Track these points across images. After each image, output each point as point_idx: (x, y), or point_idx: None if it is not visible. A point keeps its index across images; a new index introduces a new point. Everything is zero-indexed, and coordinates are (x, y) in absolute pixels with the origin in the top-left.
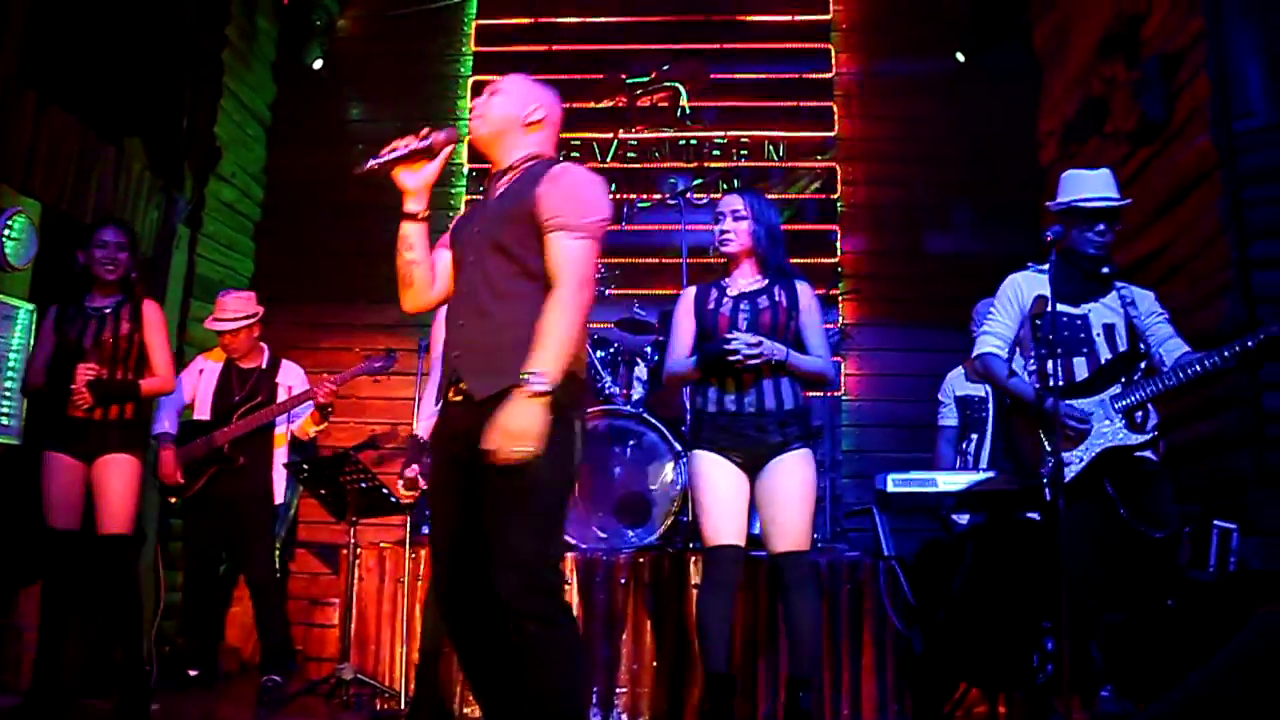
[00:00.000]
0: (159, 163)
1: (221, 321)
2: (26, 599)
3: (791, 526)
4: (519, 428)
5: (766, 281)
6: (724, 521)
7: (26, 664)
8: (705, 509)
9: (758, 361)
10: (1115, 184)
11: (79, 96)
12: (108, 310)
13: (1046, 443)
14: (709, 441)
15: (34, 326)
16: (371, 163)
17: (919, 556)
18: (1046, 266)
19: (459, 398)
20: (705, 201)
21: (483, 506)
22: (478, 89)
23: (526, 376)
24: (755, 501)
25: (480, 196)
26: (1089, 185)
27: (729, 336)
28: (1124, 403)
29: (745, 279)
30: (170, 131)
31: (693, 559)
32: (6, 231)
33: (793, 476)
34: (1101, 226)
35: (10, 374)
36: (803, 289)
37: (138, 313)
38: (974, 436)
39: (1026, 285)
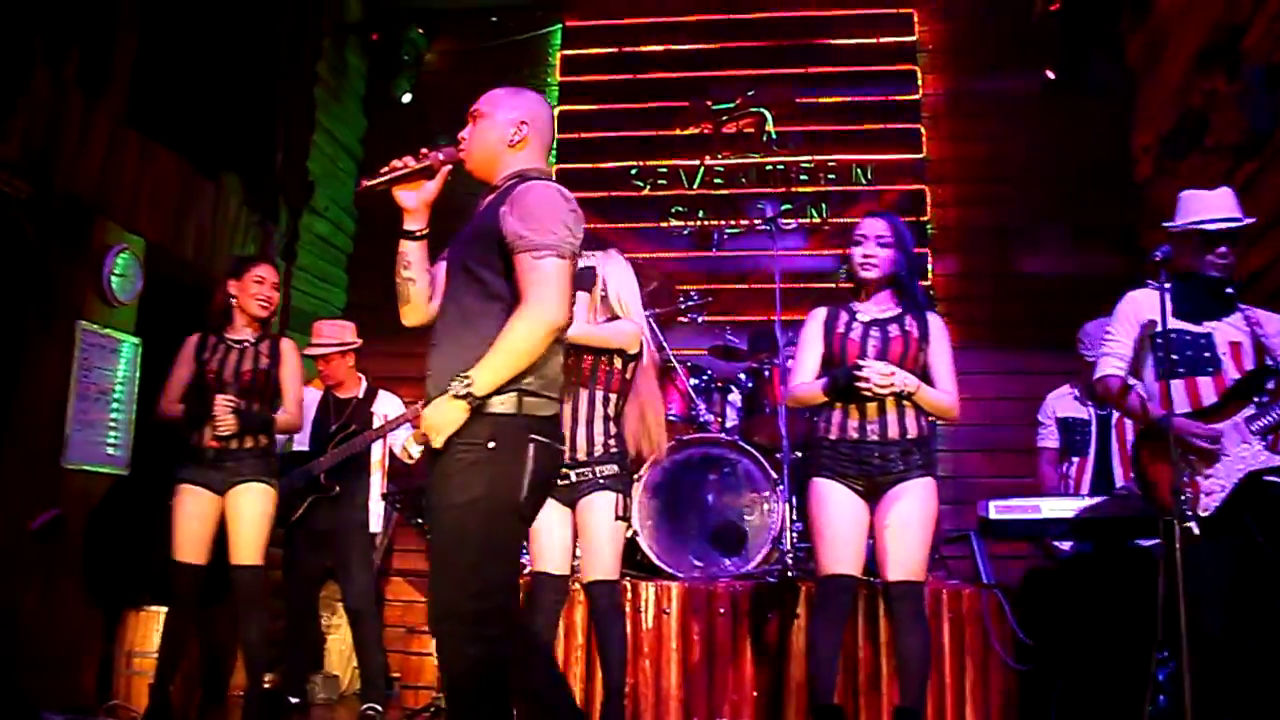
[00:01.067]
0: (254, 198)
1: (316, 347)
2: (136, 624)
3: (909, 556)
4: (429, 419)
5: (899, 310)
6: (842, 550)
7: (136, 688)
8: (823, 537)
9: (888, 392)
10: (1237, 203)
11: (179, 135)
12: (248, 344)
13: (1182, 468)
14: (829, 468)
15: (138, 358)
16: (369, 182)
17: (1025, 585)
18: (1163, 284)
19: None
20: (794, 226)
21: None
22: (564, 119)
23: (454, 381)
24: (873, 529)
25: None
26: (1209, 205)
27: (862, 364)
28: (1260, 424)
29: (878, 305)
30: (265, 167)
31: (801, 587)
32: (113, 268)
33: (914, 505)
34: (1224, 249)
35: (117, 405)
36: (934, 320)
37: (276, 349)
38: (1075, 460)
39: (1145, 301)
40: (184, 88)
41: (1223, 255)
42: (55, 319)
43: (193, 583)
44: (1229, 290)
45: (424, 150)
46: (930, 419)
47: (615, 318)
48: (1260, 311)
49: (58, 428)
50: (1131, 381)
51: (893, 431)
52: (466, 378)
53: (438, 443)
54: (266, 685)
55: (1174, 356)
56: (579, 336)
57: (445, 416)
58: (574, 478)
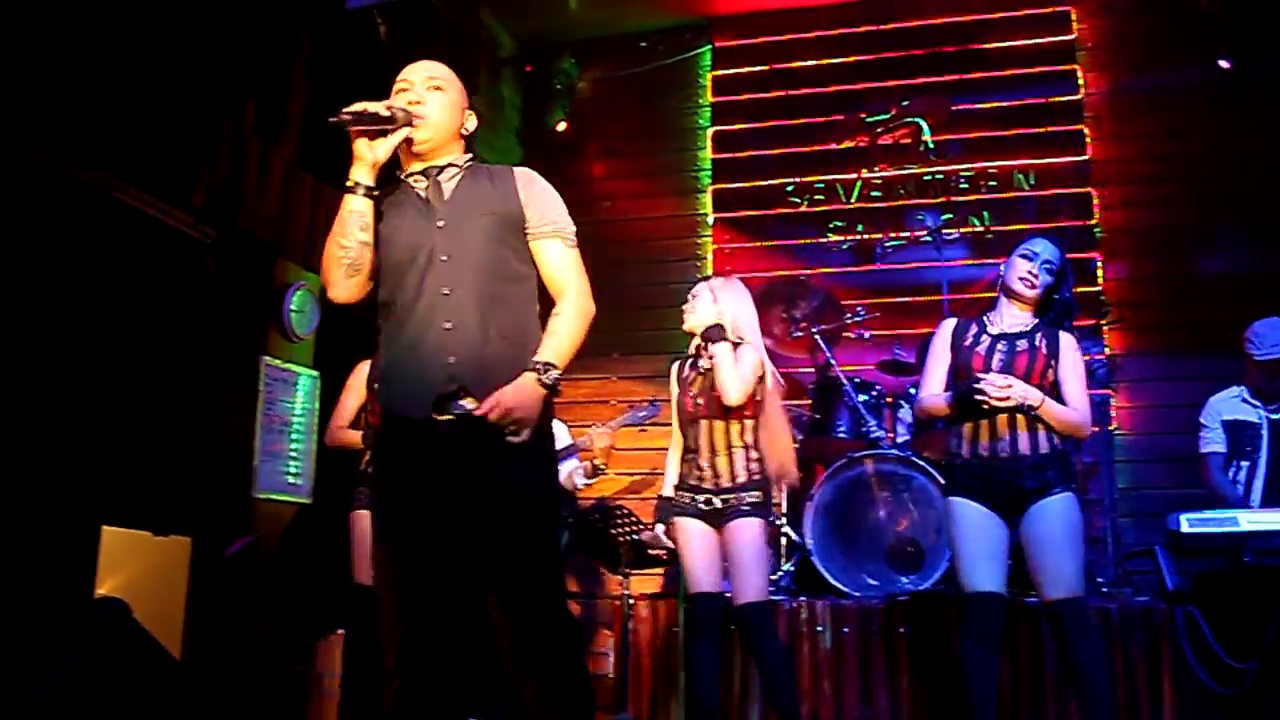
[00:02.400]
0: None
1: None
2: (325, 649)
3: (1061, 572)
4: (519, 408)
5: (1031, 326)
6: (981, 567)
7: (326, 712)
8: (960, 555)
9: (1007, 404)
10: None
11: (348, 175)
12: None
13: None
14: (963, 488)
15: (317, 390)
16: (340, 115)
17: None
18: None
19: (453, 415)
20: (956, 236)
21: (499, 553)
22: (718, 139)
23: (539, 364)
24: (1022, 550)
25: (395, 191)
26: None
27: (980, 376)
28: None
29: (1011, 320)
30: None
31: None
32: (291, 304)
33: (1055, 521)
34: None
35: (298, 437)
36: (1066, 339)
37: None
38: (1244, 465)
39: None
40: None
41: None
42: (240, 355)
43: (370, 605)
44: None
45: (388, 103)
46: (1062, 436)
47: (736, 345)
48: None
49: (246, 459)
50: None
51: (1022, 448)
52: (549, 365)
53: (526, 434)
54: None
55: None
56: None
57: (534, 403)
58: (719, 504)
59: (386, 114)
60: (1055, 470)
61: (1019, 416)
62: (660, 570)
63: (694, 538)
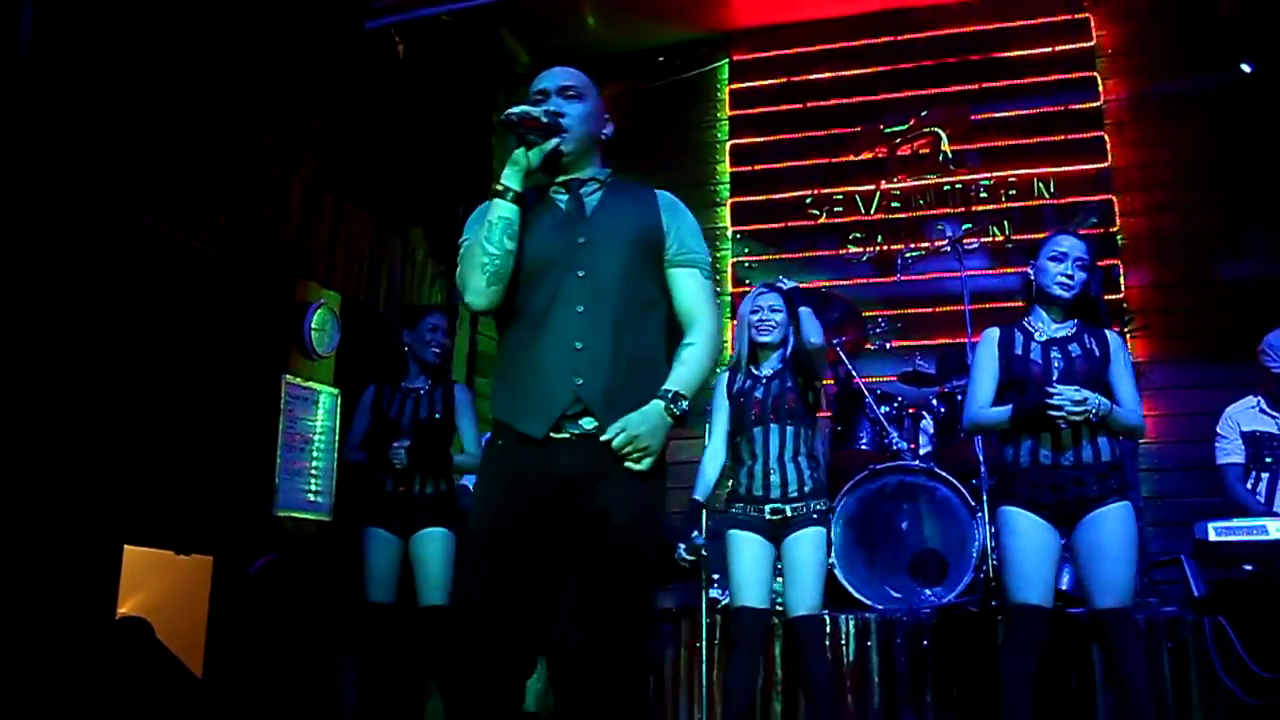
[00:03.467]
0: (439, 248)
1: None
2: (348, 668)
3: (1117, 581)
4: (647, 436)
5: (1075, 328)
6: (1034, 579)
7: None
8: (1013, 565)
9: (1080, 418)
10: None
11: (367, 194)
12: (423, 391)
13: None
14: (1021, 496)
15: (337, 407)
16: (512, 112)
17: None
18: None
19: (573, 435)
20: (976, 246)
21: (601, 562)
22: (736, 153)
23: (670, 393)
24: (1073, 557)
25: (530, 198)
26: None
27: (1051, 390)
28: None
29: (1054, 324)
30: (448, 218)
31: (999, 618)
32: (312, 323)
33: (1114, 529)
34: None
35: (318, 453)
36: (1113, 337)
37: (450, 395)
38: (1264, 476)
39: None
40: (370, 150)
41: None
42: (262, 374)
43: (385, 622)
44: None
45: (547, 109)
46: (1121, 440)
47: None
48: None
49: (268, 477)
50: None
51: (1087, 456)
52: (679, 395)
53: (648, 464)
54: None
55: None
56: None
57: (661, 435)
58: (789, 512)
59: (547, 120)
60: (1116, 478)
61: (1083, 423)
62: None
63: (750, 550)
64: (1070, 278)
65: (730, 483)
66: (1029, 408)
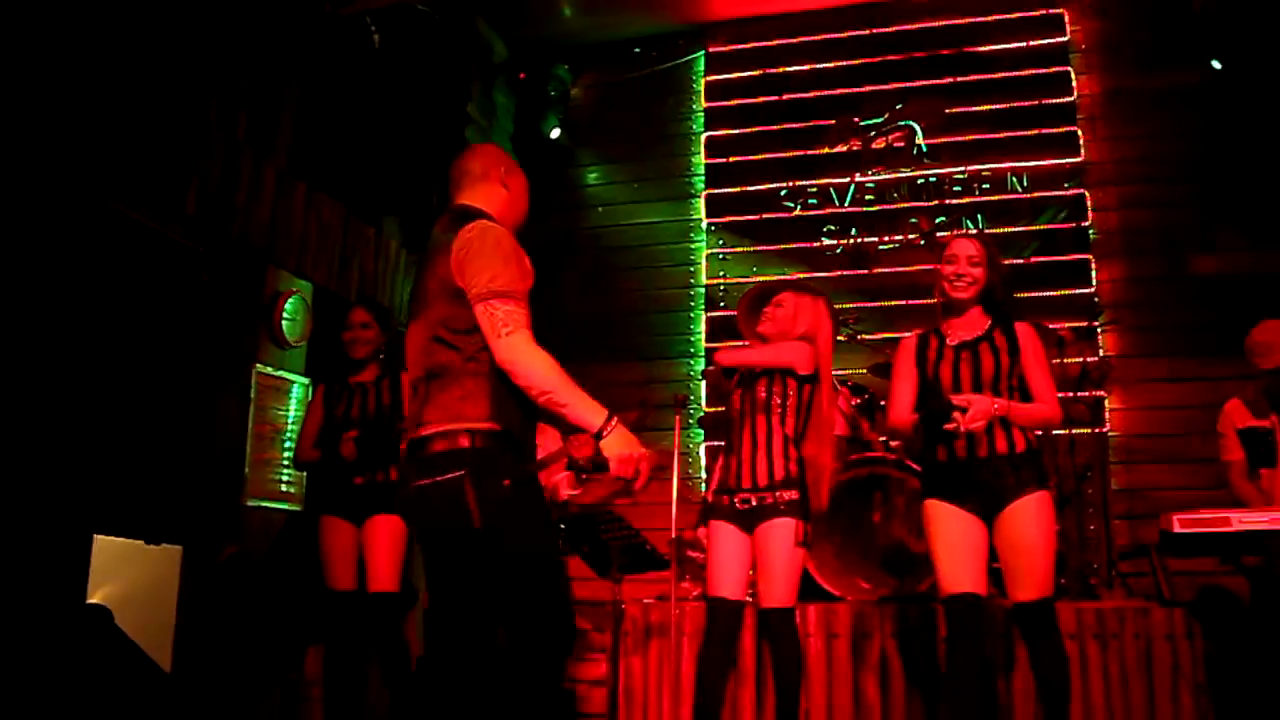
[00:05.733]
0: (412, 238)
1: None
2: (317, 655)
3: (1034, 574)
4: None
5: (987, 327)
6: (960, 569)
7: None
8: (939, 558)
9: (980, 429)
10: None
11: (341, 184)
12: (369, 385)
13: None
14: (942, 490)
15: (308, 397)
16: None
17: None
18: None
19: None
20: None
21: None
22: (711, 145)
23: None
24: (995, 549)
25: None
26: None
27: (951, 409)
28: None
29: (967, 326)
30: (421, 208)
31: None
32: (283, 312)
33: (1031, 521)
34: None
35: (289, 444)
36: (1023, 330)
37: (397, 386)
38: (1262, 472)
39: None
40: (343, 138)
41: None
42: (232, 363)
43: (346, 609)
44: None
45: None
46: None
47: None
48: None
49: (238, 467)
50: None
51: (999, 448)
52: None
53: None
54: None
55: None
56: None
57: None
58: (755, 502)
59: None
60: (1031, 468)
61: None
62: (652, 575)
63: (723, 540)
64: (962, 275)
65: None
66: (932, 420)
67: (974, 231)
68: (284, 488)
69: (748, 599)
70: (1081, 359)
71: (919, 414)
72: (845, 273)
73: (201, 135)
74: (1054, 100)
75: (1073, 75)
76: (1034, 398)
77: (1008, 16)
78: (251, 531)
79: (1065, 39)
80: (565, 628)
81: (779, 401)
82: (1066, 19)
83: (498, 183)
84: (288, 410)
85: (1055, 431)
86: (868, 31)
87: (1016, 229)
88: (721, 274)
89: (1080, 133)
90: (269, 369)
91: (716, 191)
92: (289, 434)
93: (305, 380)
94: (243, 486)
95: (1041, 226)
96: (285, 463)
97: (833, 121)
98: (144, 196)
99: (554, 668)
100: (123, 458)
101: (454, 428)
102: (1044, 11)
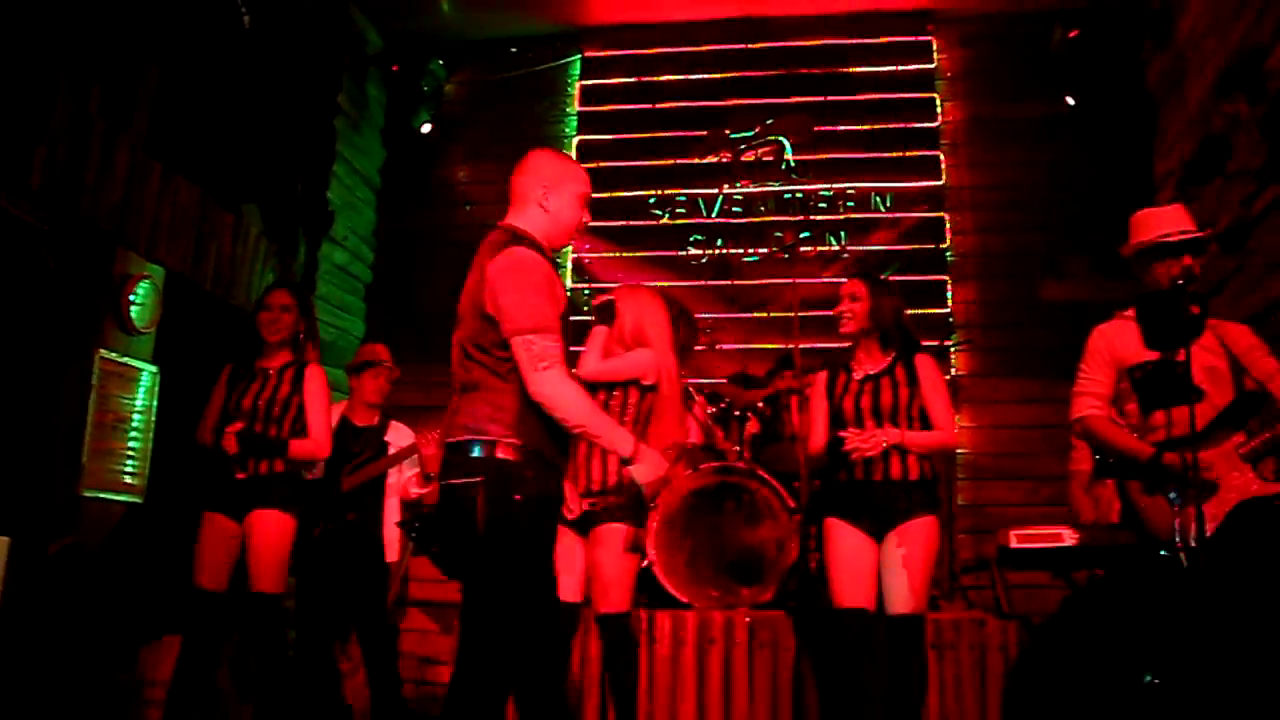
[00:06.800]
0: (274, 228)
1: (378, 361)
2: (150, 654)
3: (913, 589)
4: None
5: (889, 360)
6: (852, 585)
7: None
8: (835, 573)
9: (876, 453)
10: (1190, 218)
11: (201, 167)
12: (273, 372)
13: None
14: (839, 508)
15: (156, 386)
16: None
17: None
18: (1130, 314)
19: None
20: (813, 254)
21: None
22: (582, 149)
23: None
24: (880, 565)
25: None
26: (1166, 220)
27: (845, 437)
28: (1250, 450)
29: (869, 360)
30: (285, 197)
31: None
32: (132, 296)
33: (916, 543)
34: (1188, 259)
35: (135, 434)
36: (922, 362)
37: (300, 377)
38: (1107, 482)
39: (1115, 335)
40: (205, 119)
41: (1187, 266)
42: (74, 347)
43: (211, 609)
44: (1195, 309)
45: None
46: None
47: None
48: (1228, 325)
49: (75, 455)
50: (1116, 420)
51: (895, 473)
52: None
53: None
54: None
55: (1154, 388)
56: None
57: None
58: (587, 507)
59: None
60: (923, 493)
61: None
62: None
63: (558, 541)
64: (844, 313)
65: None
66: (836, 447)
67: (862, 273)
68: (127, 478)
69: (583, 602)
70: None
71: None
72: (709, 282)
73: (48, 104)
74: (919, 125)
75: (938, 101)
76: (933, 426)
77: (878, 40)
78: (89, 523)
79: (933, 66)
80: (501, 661)
81: (618, 411)
82: (935, 46)
83: (536, 205)
84: (134, 398)
85: None
86: (742, 46)
87: (879, 247)
88: (586, 278)
89: (942, 157)
90: (114, 355)
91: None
92: (134, 423)
93: (153, 368)
94: (79, 476)
95: (903, 246)
96: (130, 452)
97: (704, 133)
98: None
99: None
100: None
101: (481, 438)
102: (914, 38)
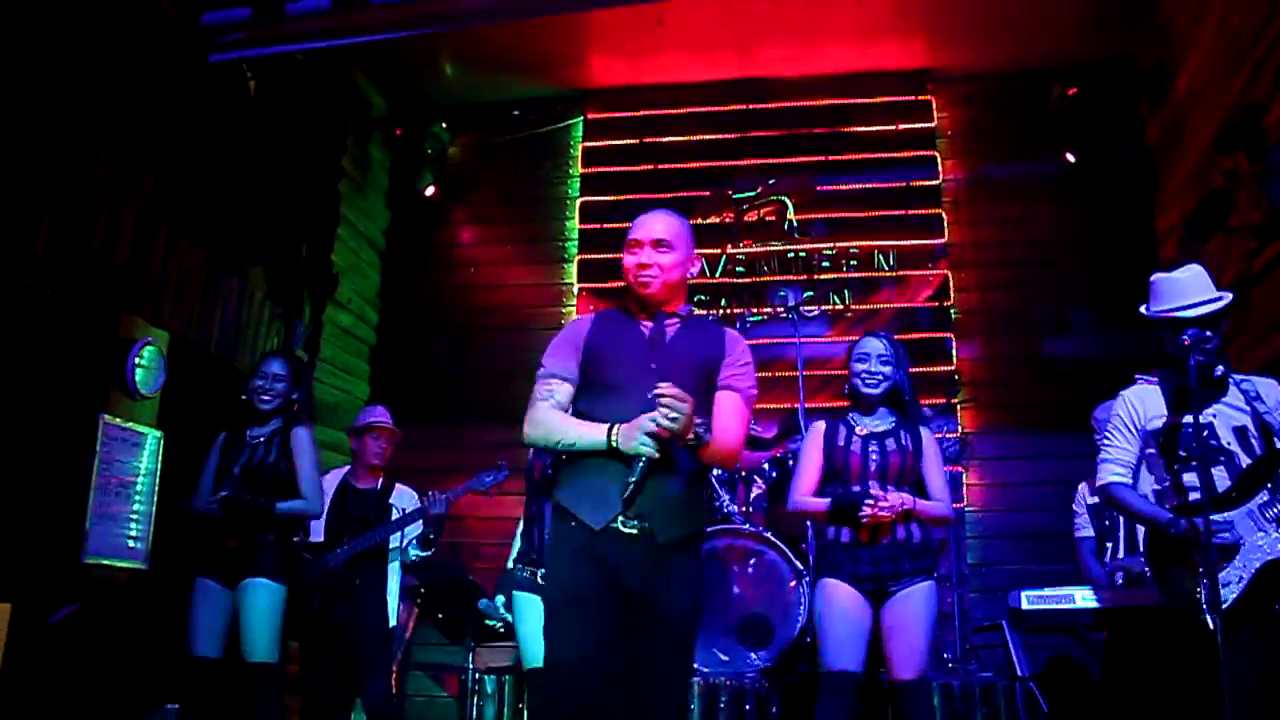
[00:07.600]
0: (279, 290)
1: (379, 422)
2: None
3: (916, 653)
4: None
5: (894, 423)
6: (845, 647)
7: None
8: (828, 634)
9: (887, 519)
10: (1210, 280)
11: (206, 231)
12: (261, 439)
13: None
14: (838, 570)
15: (160, 451)
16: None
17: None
18: (1155, 377)
19: (632, 532)
20: (816, 314)
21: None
22: (585, 210)
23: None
24: (880, 629)
25: (611, 318)
26: (1185, 290)
27: (865, 498)
28: (1276, 510)
29: (874, 419)
30: (290, 260)
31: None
32: (137, 360)
33: (918, 607)
34: (1208, 334)
35: (138, 499)
36: (925, 434)
37: (286, 440)
38: (1109, 545)
39: (1140, 401)
40: (210, 184)
41: (1207, 340)
42: (78, 412)
43: (208, 677)
44: (1219, 370)
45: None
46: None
47: None
48: (1256, 380)
49: (78, 521)
50: (1140, 490)
51: (899, 536)
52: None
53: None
54: None
55: (1181, 452)
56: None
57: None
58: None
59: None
60: (926, 558)
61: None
62: (511, 644)
63: (533, 616)
64: (875, 374)
65: None
66: (843, 505)
67: (880, 332)
68: (131, 544)
69: None
70: (940, 434)
71: (830, 498)
72: None
73: (55, 170)
74: (921, 183)
75: (939, 160)
76: (931, 497)
77: (879, 100)
78: (91, 590)
79: (933, 125)
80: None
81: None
82: (935, 106)
83: None
84: (138, 463)
85: None
86: (744, 106)
87: (882, 305)
88: None
89: (945, 215)
90: (118, 420)
91: (589, 257)
92: (138, 487)
93: (158, 433)
94: (82, 542)
95: (907, 305)
96: (134, 517)
97: (707, 193)
98: None
99: None
100: None
101: None
102: (914, 97)
